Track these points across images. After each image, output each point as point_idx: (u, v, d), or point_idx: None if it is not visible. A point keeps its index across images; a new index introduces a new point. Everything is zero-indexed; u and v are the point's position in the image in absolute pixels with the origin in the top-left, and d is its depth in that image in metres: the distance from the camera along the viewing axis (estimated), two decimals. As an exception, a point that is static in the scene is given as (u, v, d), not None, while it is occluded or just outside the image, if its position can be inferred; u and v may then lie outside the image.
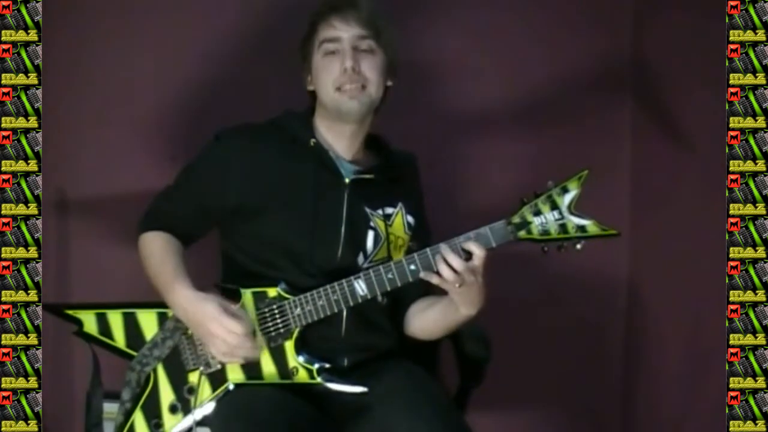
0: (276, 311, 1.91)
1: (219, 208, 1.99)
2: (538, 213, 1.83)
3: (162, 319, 1.97)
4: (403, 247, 2.05)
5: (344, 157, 2.03)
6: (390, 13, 2.03)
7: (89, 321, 1.97)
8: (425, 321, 2.04)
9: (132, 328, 1.97)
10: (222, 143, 2.01)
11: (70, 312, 1.98)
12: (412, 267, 1.86)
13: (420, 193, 2.15)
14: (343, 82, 1.97)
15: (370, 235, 2.00)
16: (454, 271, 1.82)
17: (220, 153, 2.00)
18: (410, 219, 2.06)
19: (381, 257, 2.00)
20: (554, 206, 1.83)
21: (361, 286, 1.88)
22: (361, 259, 1.99)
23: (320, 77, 2.00)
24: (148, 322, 1.97)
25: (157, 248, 2.00)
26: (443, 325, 2.00)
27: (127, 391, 1.94)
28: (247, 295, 1.93)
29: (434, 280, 1.84)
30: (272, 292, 1.92)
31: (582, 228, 1.83)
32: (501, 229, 1.84)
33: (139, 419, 1.93)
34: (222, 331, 1.86)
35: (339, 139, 2.03)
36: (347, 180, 1.99)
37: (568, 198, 1.82)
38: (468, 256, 1.83)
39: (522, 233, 1.83)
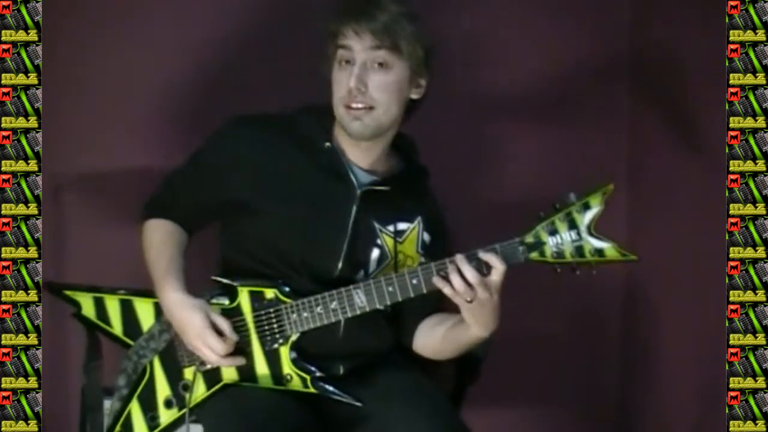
0: (272, 314, 1.87)
1: (225, 196, 1.91)
2: (554, 232, 1.71)
3: (159, 310, 1.93)
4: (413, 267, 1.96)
5: (360, 165, 1.92)
6: (415, 13, 1.86)
7: (87, 304, 1.97)
8: (433, 338, 1.94)
9: (129, 315, 1.95)
10: (234, 131, 1.93)
11: (68, 293, 1.98)
12: (414, 281, 1.77)
13: (438, 210, 2.02)
14: (348, 101, 1.83)
15: (375, 253, 1.91)
16: (468, 283, 1.71)
17: (230, 140, 1.92)
18: (426, 237, 1.95)
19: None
20: (572, 225, 1.70)
21: (360, 297, 1.81)
22: (361, 275, 1.90)
23: (333, 88, 1.87)
24: (145, 311, 1.95)
25: (157, 239, 1.96)
26: (451, 344, 1.90)
27: (122, 377, 1.93)
28: (244, 293, 1.88)
29: (446, 290, 1.73)
30: (270, 293, 1.87)
31: (599, 251, 1.70)
32: (513, 249, 1.72)
33: (136, 411, 1.92)
34: (203, 347, 1.83)
35: (354, 147, 1.90)
36: (359, 191, 1.89)
37: (588, 216, 1.70)
38: (486, 270, 1.72)
39: (534, 254, 1.71)
